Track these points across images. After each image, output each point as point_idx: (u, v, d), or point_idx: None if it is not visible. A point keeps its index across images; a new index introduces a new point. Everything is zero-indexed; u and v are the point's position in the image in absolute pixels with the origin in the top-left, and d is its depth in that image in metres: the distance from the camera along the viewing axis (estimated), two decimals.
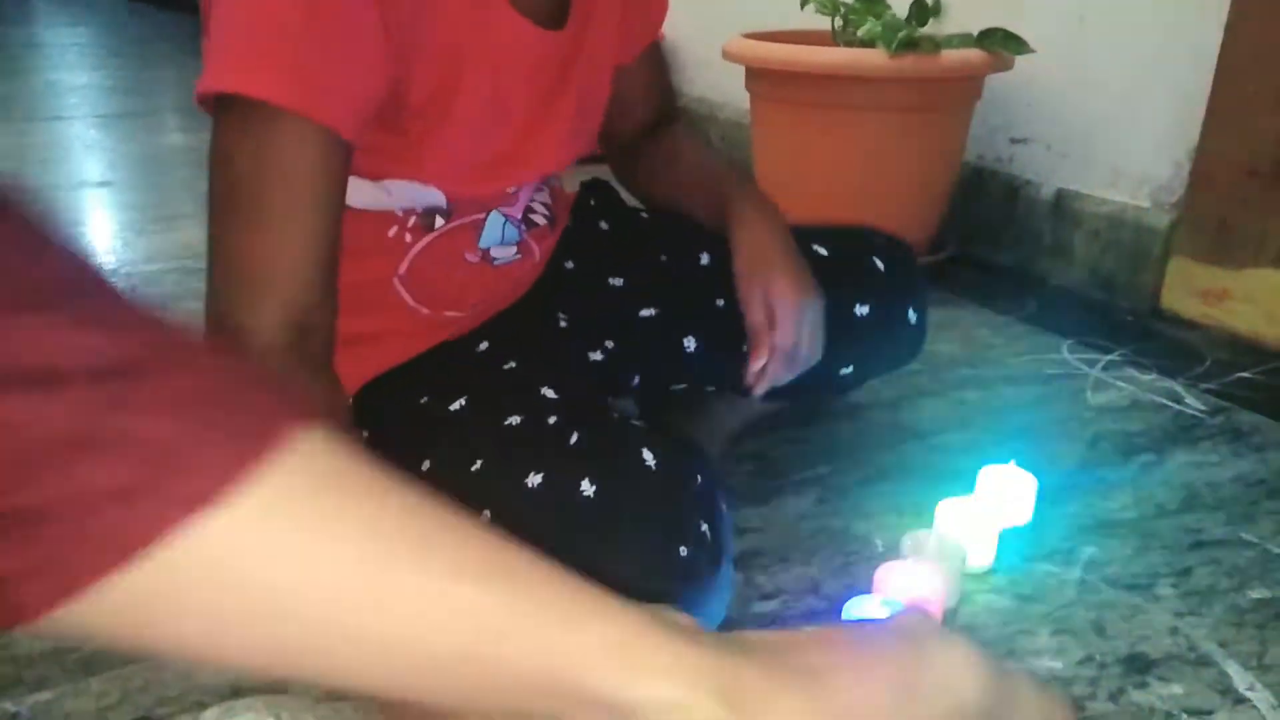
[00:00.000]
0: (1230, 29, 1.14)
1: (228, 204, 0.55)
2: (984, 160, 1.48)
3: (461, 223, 0.70)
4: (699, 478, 0.58)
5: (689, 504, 0.55)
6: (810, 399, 0.90)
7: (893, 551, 0.70)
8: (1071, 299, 1.33)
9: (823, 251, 0.80)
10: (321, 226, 0.55)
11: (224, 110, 0.54)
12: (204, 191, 1.60)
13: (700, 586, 0.54)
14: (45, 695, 0.59)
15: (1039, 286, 1.37)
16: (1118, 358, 1.12)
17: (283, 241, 0.54)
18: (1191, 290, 1.23)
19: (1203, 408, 1.00)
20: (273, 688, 0.59)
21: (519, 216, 0.75)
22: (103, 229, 1.59)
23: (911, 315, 0.81)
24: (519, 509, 0.55)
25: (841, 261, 0.80)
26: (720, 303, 0.76)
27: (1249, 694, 0.61)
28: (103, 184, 1.87)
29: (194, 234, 1.52)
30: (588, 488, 0.54)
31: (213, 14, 0.54)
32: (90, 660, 0.61)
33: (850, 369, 0.82)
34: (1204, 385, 1.05)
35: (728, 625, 0.64)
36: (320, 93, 0.54)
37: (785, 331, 0.69)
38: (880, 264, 0.82)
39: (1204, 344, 1.17)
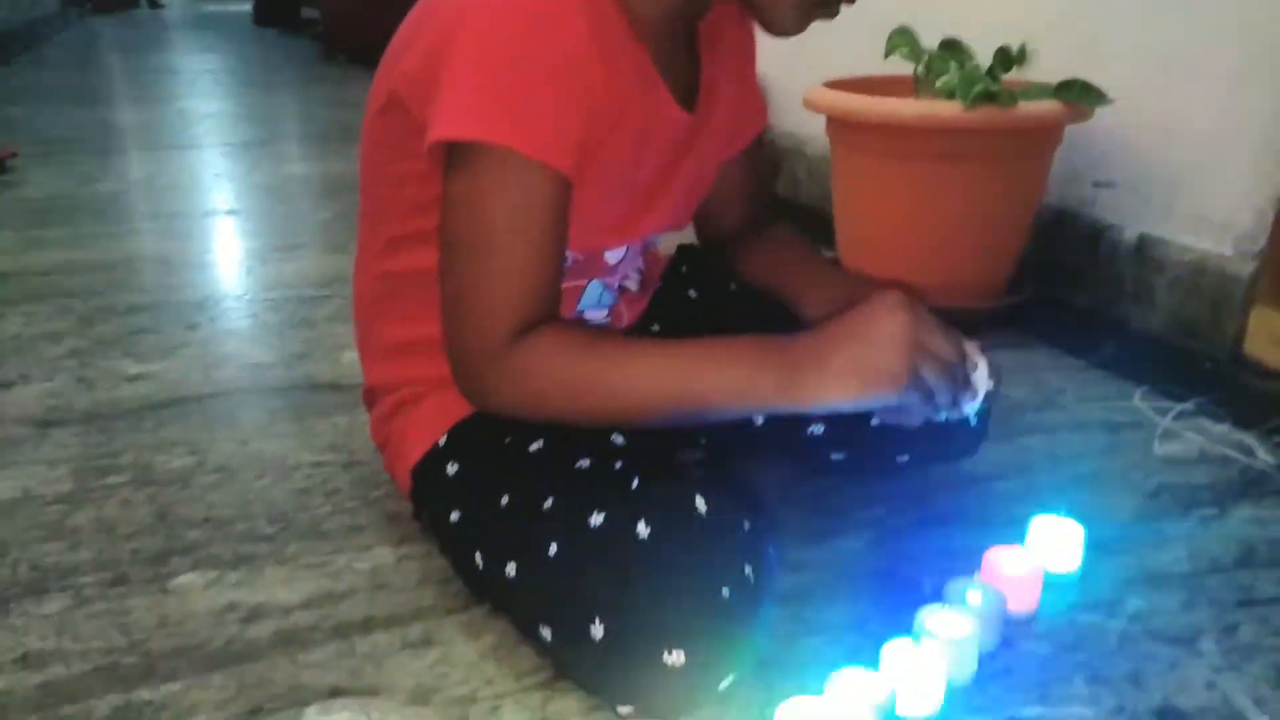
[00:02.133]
0: None
1: (471, 243, 0.66)
2: (1066, 202, 1.49)
3: (565, 287, 0.78)
4: (746, 524, 0.63)
5: (734, 549, 0.61)
6: (866, 476, 0.93)
7: (937, 595, 0.74)
8: (1150, 345, 1.33)
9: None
10: (555, 252, 0.68)
11: (464, 157, 0.65)
12: (321, 221, 1.76)
13: (739, 622, 0.60)
14: (175, 686, 0.68)
15: (1118, 332, 1.37)
16: (1191, 407, 1.12)
17: (522, 274, 0.66)
18: (1274, 339, 1.22)
19: (1273, 461, 1.00)
20: (367, 689, 0.67)
21: (614, 285, 0.83)
22: (229, 256, 1.74)
23: (973, 419, 0.83)
24: (582, 544, 0.62)
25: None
26: None
27: None
28: (230, 212, 2.03)
29: (311, 264, 1.66)
30: (643, 529, 0.60)
31: (450, 66, 0.64)
32: (213, 656, 0.71)
33: (907, 457, 0.87)
34: (1278, 439, 1.05)
35: (772, 661, 0.69)
36: (554, 141, 0.64)
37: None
38: None
39: None
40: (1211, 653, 0.72)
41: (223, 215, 2.01)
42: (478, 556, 0.70)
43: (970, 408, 0.68)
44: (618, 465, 0.69)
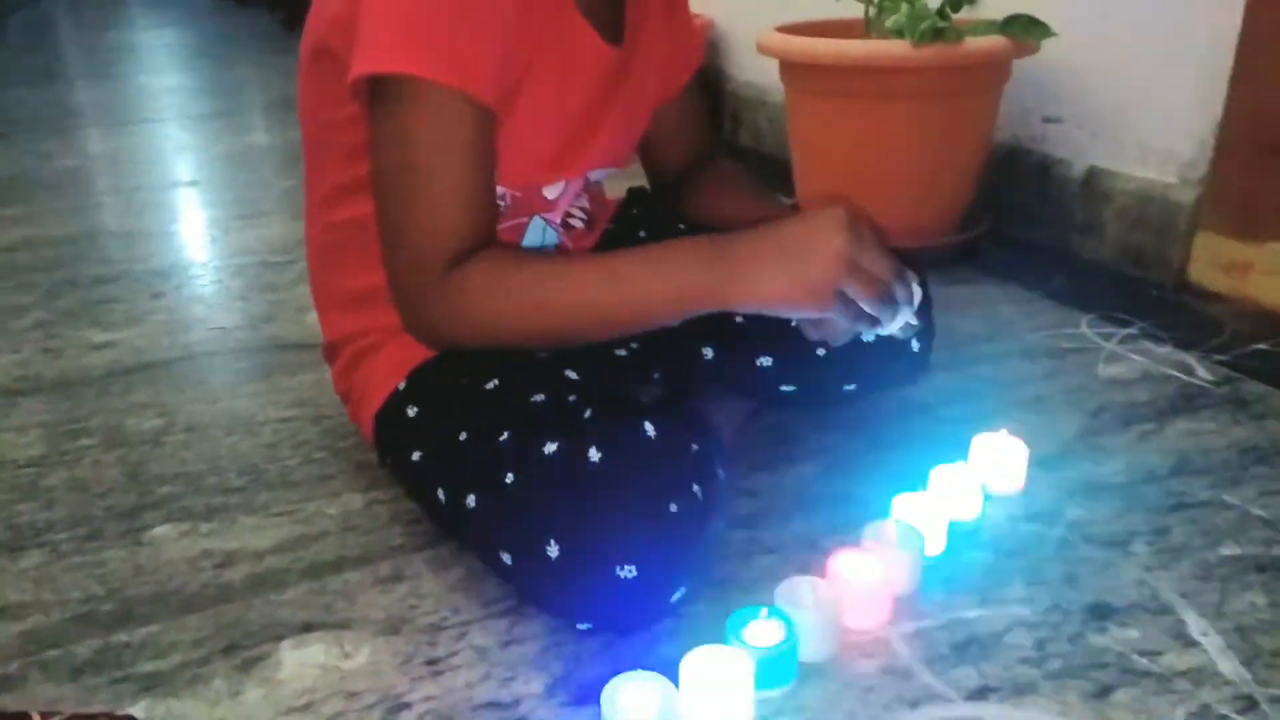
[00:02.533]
0: (1249, 9, 1.16)
1: (403, 177, 0.68)
2: (1018, 139, 1.52)
3: (506, 225, 0.80)
4: (695, 446, 0.66)
5: (681, 468, 0.64)
6: (816, 406, 0.96)
7: (882, 514, 0.77)
8: (1100, 274, 1.36)
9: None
10: (484, 180, 0.70)
11: (385, 93, 0.67)
12: (284, 189, 1.76)
13: (687, 537, 0.63)
14: (153, 628, 0.71)
15: (1069, 263, 1.40)
16: (1135, 331, 1.16)
17: (453, 202, 0.68)
18: (1217, 264, 1.26)
19: (1211, 379, 1.04)
20: (339, 623, 0.70)
21: (558, 221, 0.85)
22: (192, 226, 1.74)
23: (914, 344, 0.86)
24: (537, 471, 0.65)
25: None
26: (739, 319, 0.84)
27: (1201, 638, 0.67)
28: (191, 183, 2.02)
29: (274, 230, 1.66)
30: (595, 454, 0.63)
31: (368, 5, 0.65)
32: (189, 600, 0.73)
33: (854, 386, 0.90)
34: (1217, 357, 1.09)
35: (729, 579, 0.73)
36: (472, 71, 0.66)
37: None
38: None
39: (1226, 317, 1.20)
40: (1143, 554, 0.76)
41: (185, 187, 2.00)
42: (440, 492, 0.72)
43: (893, 328, 0.70)
44: (571, 399, 0.71)
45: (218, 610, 0.72)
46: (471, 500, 0.69)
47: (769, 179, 1.76)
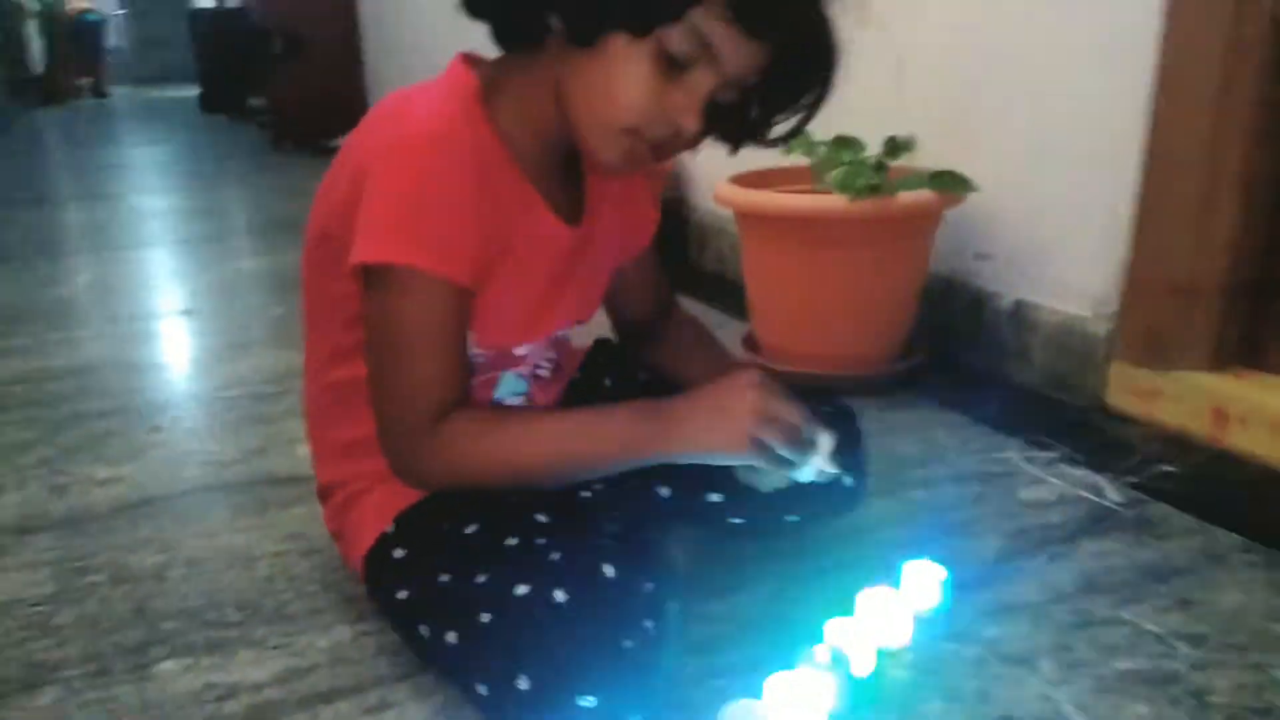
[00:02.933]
0: (1147, 171, 1.32)
1: (392, 350, 0.81)
2: (954, 273, 1.66)
3: (481, 380, 0.92)
4: (649, 585, 0.76)
5: (636, 607, 0.74)
6: (762, 536, 1.06)
7: (817, 638, 0.86)
8: (1029, 398, 1.49)
9: None
10: (459, 349, 0.83)
11: (376, 277, 0.80)
12: (273, 318, 1.90)
13: (641, 669, 0.72)
14: None
15: (1001, 388, 1.53)
16: (1056, 455, 1.28)
17: (434, 369, 0.81)
18: (1129, 390, 1.39)
19: (1120, 500, 1.15)
20: None
21: (527, 373, 0.97)
22: (186, 357, 1.85)
23: (847, 481, 0.97)
24: (510, 612, 0.74)
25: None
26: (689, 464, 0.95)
27: None
28: (185, 312, 2.14)
29: (266, 360, 1.77)
30: (560, 595, 0.73)
31: (365, 203, 0.78)
32: None
33: (796, 517, 1.01)
34: (1128, 479, 1.20)
35: (684, 703, 0.81)
36: (451, 258, 0.79)
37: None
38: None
39: (1137, 440, 1.32)
40: (1048, 669, 0.86)
41: (178, 316, 2.12)
42: (422, 628, 0.82)
43: (809, 473, 0.81)
44: (540, 542, 0.81)
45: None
46: (452, 637, 0.78)
47: (730, 302, 1.89)
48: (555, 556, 0.78)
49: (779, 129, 0.85)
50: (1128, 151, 1.34)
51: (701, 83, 0.77)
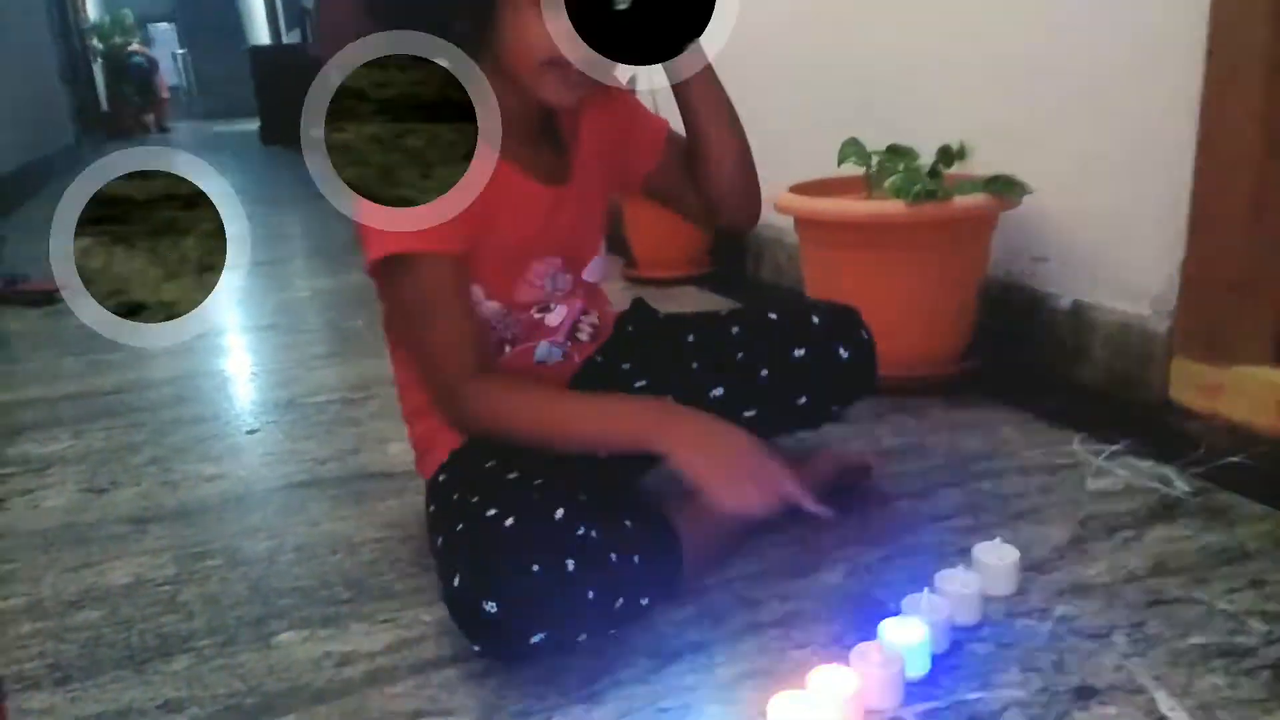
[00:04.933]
0: (1199, 172, 1.35)
1: (415, 322, 0.97)
2: (1011, 276, 1.70)
3: (519, 349, 1.06)
4: (592, 534, 0.87)
5: (562, 544, 0.85)
6: (791, 428, 1.19)
7: (897, 610, 0.91)
8: (1090, 396, 1.52)
9: (773, 315, 1.12)
10: (468, 309, 0.98)
11: (391, 267, 0.94)
12: (352, 330, 2.00)
13: (544, 592, 0.84)
14: (289, 717, 0.85)
15: (1063, 386, 1.56)
16: (1121, 448, 1.30)
17: (454, 333, 0.95)
18: (1192, 386, 1.41)
19: (1188, 489, 1.18)
20: (443, 711, 0.84)
21: (562, 339, 1.08)
22: (275, 367, 1.95)
23: (842, 353, 1.09)
24: (475, 526, 0.88)
25: (786, 318, 1.12)
26: (695, 364, 1.10)
27: (1169, 714, 0.79)
28: (270, 327, 2.25)
29: (349, 369, 1.86)
30: (509, 522, 0.86)
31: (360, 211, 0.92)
32: (318, 693, 0.88)
33: (805, 399, 1.11)
34: (1194, 470, 1.23)
35: (767, 671, 0.86)
36: (444, 234, 0.91)
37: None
38: (816, 319, 1.12)
39: (1202, 433, 1.34)
40: (1122, 643, 0.89)
41: (261, 330, 2.22)
42: (434, 535, 0.97)
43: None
44: (537, 482, 0.92)
45: (342, 702, 0.87)
46: (439, 541, 0.93)
47: None
48: (533, 496, 0.89)
49: None
50: (1180, 152, 1.37)
51: None
